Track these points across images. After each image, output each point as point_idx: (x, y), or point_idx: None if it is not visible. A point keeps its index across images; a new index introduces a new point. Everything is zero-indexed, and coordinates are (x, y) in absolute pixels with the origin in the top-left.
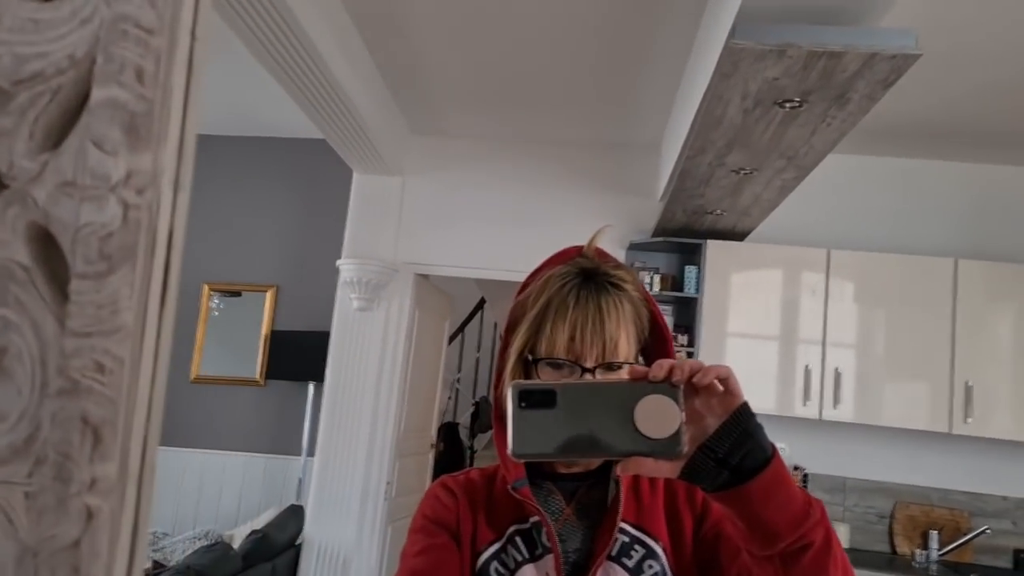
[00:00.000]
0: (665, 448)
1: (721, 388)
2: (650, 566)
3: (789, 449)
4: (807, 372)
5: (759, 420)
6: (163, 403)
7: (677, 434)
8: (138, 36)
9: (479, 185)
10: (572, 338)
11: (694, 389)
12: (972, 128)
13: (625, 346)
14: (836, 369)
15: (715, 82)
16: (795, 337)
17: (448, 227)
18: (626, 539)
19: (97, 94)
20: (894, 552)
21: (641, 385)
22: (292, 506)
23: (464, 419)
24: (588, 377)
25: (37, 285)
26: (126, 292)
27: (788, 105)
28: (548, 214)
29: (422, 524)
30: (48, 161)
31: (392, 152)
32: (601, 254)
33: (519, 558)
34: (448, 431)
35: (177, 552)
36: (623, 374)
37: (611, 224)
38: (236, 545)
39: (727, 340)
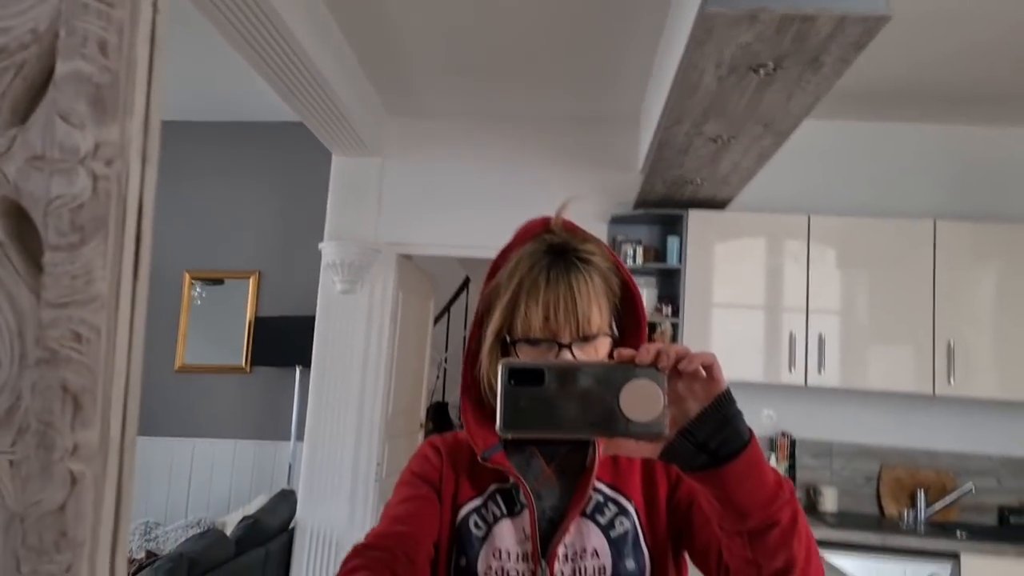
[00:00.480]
0: (647, 431)
1: (704, 374)
2: (621, 523)
3: (776, 416)
4: (791, 339)
5: (739, 407)
6: (141, 371)
7: (660, 418)
8: (99, 9)
9: (459, 164)
10: (547, 318)
11: (678, 374)
12: (948, 90)
13: (598, 318)
14: (820, 335)
15: (690, 50)
16: (780, 305)
17: (429, 207)
18: (600, 498)
19: (62, 68)
20: (882, 513)
21: (627, 368)
22: (283, 491)
23: (453, 398)
24: (566, 353)
25: (11, 259)
26: (99, 262)
27: (762, 71)
28: (529, 190)
29: (408, 479)
30: (16, 136)
31: (370, 133)
32: (568, 226)
33: (497, 513)
34: (437, 411)
35: (170, 541)
36: (600, 346)
37: (578, 195)
38: (229, 531)
39: (712, 310)
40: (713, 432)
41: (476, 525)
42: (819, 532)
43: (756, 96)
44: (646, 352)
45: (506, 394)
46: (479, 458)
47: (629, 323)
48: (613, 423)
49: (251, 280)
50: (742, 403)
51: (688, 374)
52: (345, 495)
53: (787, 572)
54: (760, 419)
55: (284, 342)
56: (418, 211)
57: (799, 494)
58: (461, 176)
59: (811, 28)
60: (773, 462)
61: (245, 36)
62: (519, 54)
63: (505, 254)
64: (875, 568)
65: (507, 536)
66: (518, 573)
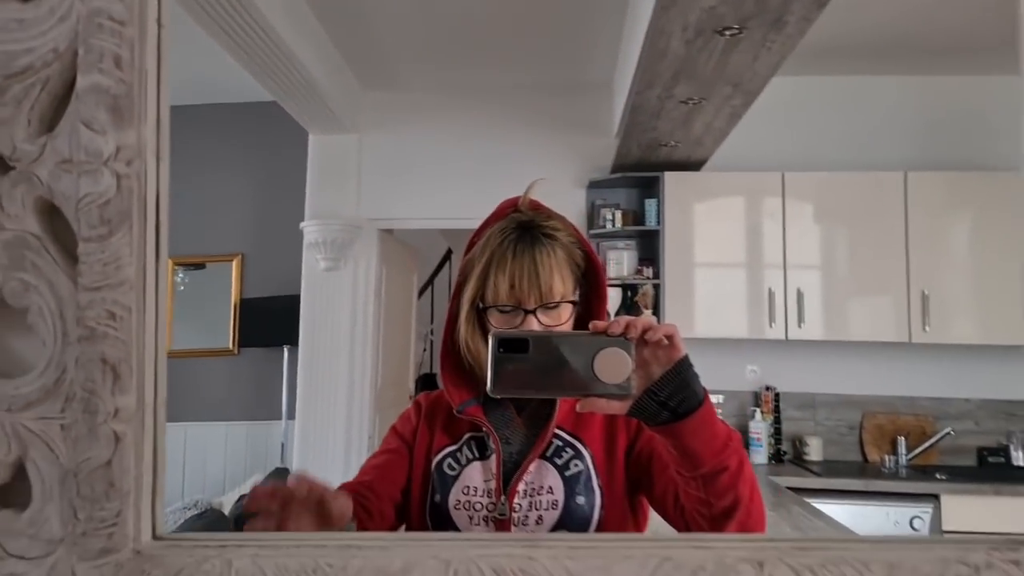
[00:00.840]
0: (617, 391)
1: (667, 343)
2: (575, 464)
3: (760, 371)
4: (771, 295)
5: (695, 371)
6: (166, 343)
7: (628, 380)
8: (112, 28)
9: (436, 136)
10: (512, 286)
11: (644, 343)
12: (915, 42)
13: (560, 286)
14: (798, 289)
15: (656, 15)
16: (760, 261)
17: (408, 181)
18: (559, 443)
19: (82, 81)
20: (865, 460)
21: (600, 338)
22: (277, 469)
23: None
24: (531, 318)
25: (49, 250)
26: (126, 250)
27: (728, 33)
28: (507, 159)
29: (387, 436)
30: (46, 143)
31: (346, 110)
32: (535, 206)
33: (470, 456)
34: (425, 382)
35: (169, 524)
36: (563, 311)
37: (544, 177)
38: (227, 511)
39: (694, 270)
40: (673, 392)
41: (450, 467)
42: (805, 481)
43: (723, 58)
44: (617, 325)
45: (496, 360)
46: (455, 411)
47: (592, 291)
48: (588, 385)
49: (234, 263)
50: (728, 359)
51: (653, 343)
52: (339, 469)
53: (734, 509)
54: (744, 375)
55: (270, 323)
56: (397, 185)
57: (786, 446)
58: (439, 148)
59: None
60: (758, 416)
61: (214, 16)
62: (491, 24)
63: (480, 231)
64: (860, 513)
65: (476, 475)
66: (483, 506)
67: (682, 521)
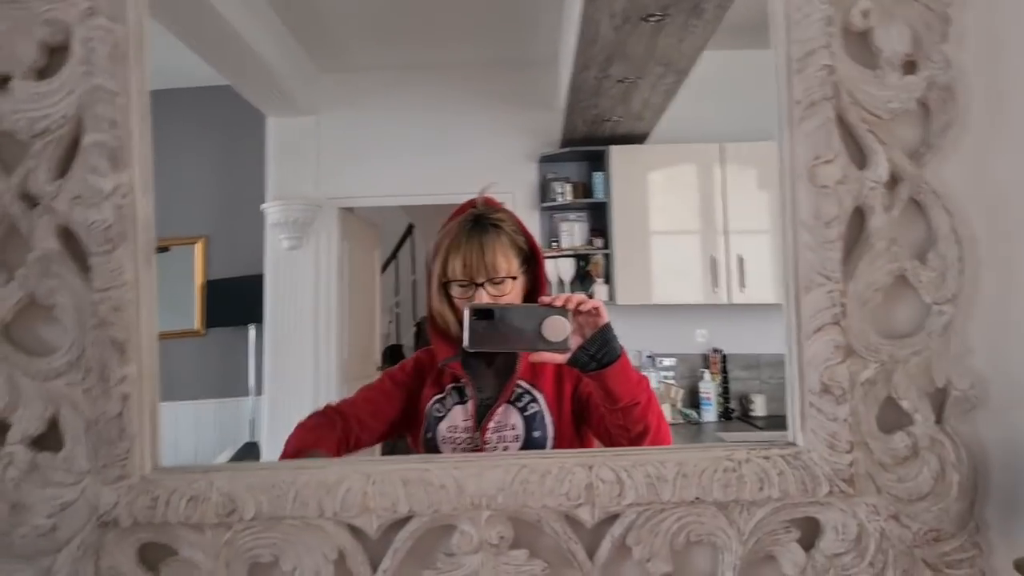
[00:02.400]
0: (559, 347)
1: (595, 313)
2: (532, 407)
3: (709, 335)
4: (713, 261)
5: (615, 333)
6: (157, 326)
7: (567, 339)
8: (108, 98)
9: (391, 115)
10: (465, 265)
11: (579, 312)
12: None
13: (504, 265)
14: (739, 256)
15: (585, 5)
16: (709, 229)
17: (366, 159)
18: (520, 391)
19: (87, 139)
20: None
21: (547, 308)
22: (247, 443)
23: (407, 340)
24: (481, 291)
25: (68, 263)
26: (126, 260)
27: (652, 19)
28: (461, 135)
29: (383, 378)
30: (62, 184)
31: (301, 92)
32: (489, 202)
33: (452, 402)
34: (392, 353)
35: None
36: (507, 286)
37: (495, 181)
38: None
39: (644, 239)
40: (599, 348)
41: (437, 410)
42: (751, 436)
43: (651, 41)
44: (559, 299)
45: (470, 325)
46: (439, 365)
47: (535, 269)
48: (537, 342)
49: (197, 246)
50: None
51: (584, 313)
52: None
53: (646, 432)
54: (695, 339)
55: (236, 302)
56: (356, 165)
57: (733, 404)
58: (395, 127)
59: None
60: (707, 377)
61: (162, 1)
62: (439, 3)
63: (446, 224)
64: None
65: (458, 416)
66: (462, 440)
67: (611, 445)
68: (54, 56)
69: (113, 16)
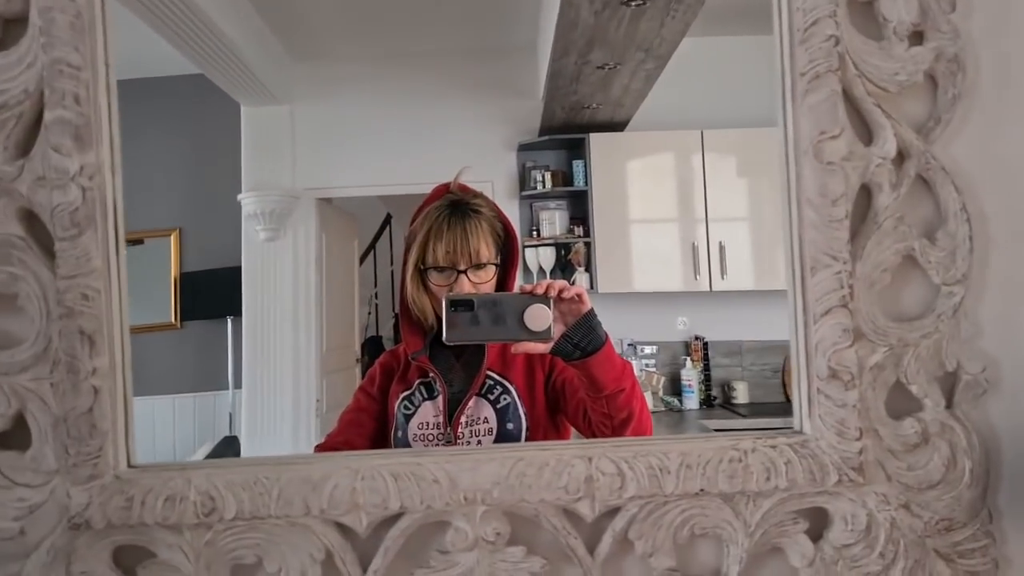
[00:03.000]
0: (541, 336)
1: (577, 300)
2: (504, 398)
3: (690, 322)
4: (695, 248)
5: (599, 319)
6: (128, 315)
7: (549, 328)
8: (71, 72)
9: (367, 105)
10: (448, 251)
11: (561, 300)
12: None
13: (485, 251)
14: (720, 242)
15: None
16: (689, 217)
17: (343, 149)
18: (491, 382)
19: (49, 115)
20: (787, 400)
21: (528, 296)
22: (226, 437)
23: (386, 331)
24: (463, 277)
25: (32, 248)
26: (93, 246)
27: (633, 3)
28: (439, 124)
29: (356, 394)
30: (24, 164)
31: (275, 81)
32: (463, 188)
33: (422, 398)
34: (372, 345)
35: None
36: (488, 271)
37: (470, 165)
38: None
39: (625, 227)
40: (582, 336)
41: (406, 407)
42: (733, 422)
43: (631, 26)
44: (540, 287)
45: (448, 316)
46: (409, 358)
47: (509, 255)
48: (519, 332)
49: (172, 237)
50: (661, 313)
51: (566, 300)
52: (287, 433)
53: (629, 419)
54: (676, 326)
55: (212, 295)
56: (333, 155)
57: (715, 391)
58: (372, 117)
59: None
60: (689, 364)
61: None
62: None
63: (419, 210)
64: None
65: (428, 412)
66: (434, 436)
67: (590, 432)
68: (10, 27)
69: None
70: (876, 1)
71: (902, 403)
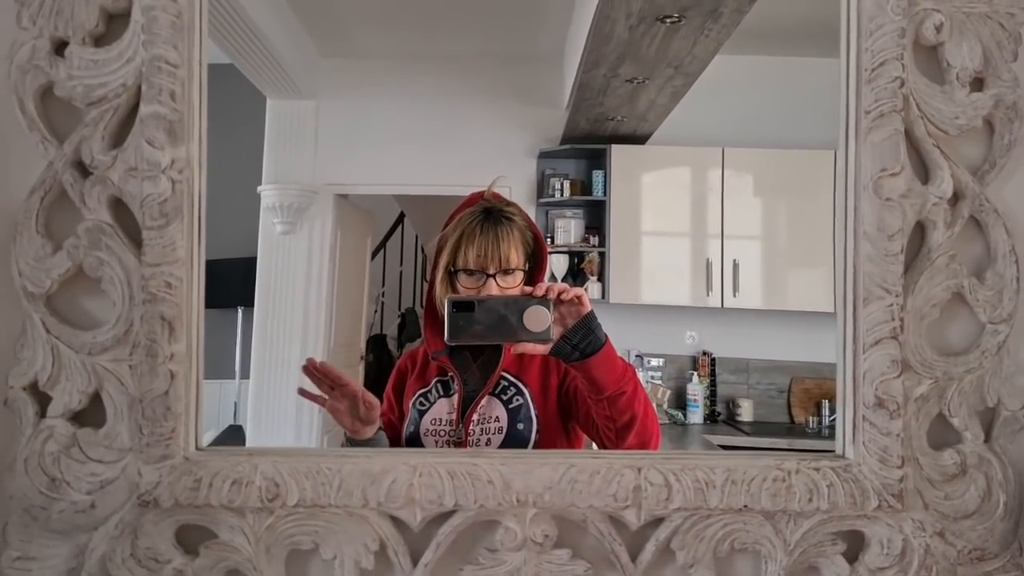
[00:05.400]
0: (541, 337)
1: (577, 302)
2: (517, 399)
3: (698, 337)
4: (708, 265)
5: (599, 322)
6: (204, 304)
7: (548, 329)
8: (168, 69)
9: (392, 104)
10: (479, 255)
11: (561, 302)
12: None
13: (515, 258)
14: (734, 260)
15: (602, 4)
16: (702, 232)
17: (364, 147)
18: (505, 383)
19: (144, 109)
20: (792, 421)
21: (528, 298)
22: (231, 426)
23: (391, 330)
24: (491, 281)
25: (119, 236)
26: (179, 236)
27: (668, 20)
28: (460, 127)
29: (384, 396)
30: (117, 155)
31: (303, 76)
32: (497, 196)
33: (437, 395)
34: (376, 343)
35: None
36: (517, 277)
37: (503, 175)
38: None
39: (640, 239)
40: (582, 338)
41: (421, 403)
42: (736, 439)
43: (664, 43)
44: (540, 289)
45: (450, 317)
46: (429, 357)
47: (538, 264)
48: (519, 333)
49: None
50: (669, 326)
51: (567, 302)
52: (291, 426)
53: (632, 422)
54: (684, 340)
55: (225, 284)
56: (354, 151)
57: (720, 407)
58: (395, 115)
59: None
60: (695, 379)
61: None
62: None
63: (452, 216)
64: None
65: (442, 409)
66: (445, 432)
67: (597, 436)
68: (113, 23)
69: None
70: (941, 47)
71: (943, 434)
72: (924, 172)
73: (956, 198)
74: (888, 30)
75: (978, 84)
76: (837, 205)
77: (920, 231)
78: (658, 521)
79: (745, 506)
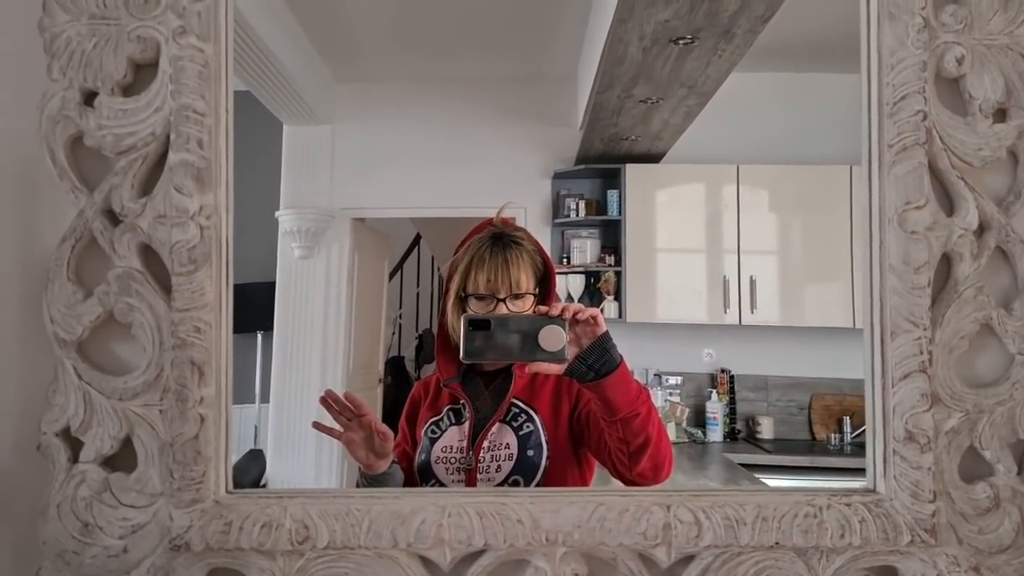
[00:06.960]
0: (556, 357)
1: (592, 322)
2: (527, 426)
3: (716, 354)
4: (725, 282)
5: (614, 341)
6: (232, 348)
7: (563, 349)
8: (195, 118)
9: (407, 127)
10: (489, 280)
11: (576, 322)
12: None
13: (525, 282)
14: (751, 277)
15: (615, 26)
16: (718, 249)
17: (380, 170)
18: (516, 410)
19: (173, 157)
20: (813, 438)
21: (543, 318)
22: (252, 450)
23: (409, 352)
24: (501, 305)
25: (149, 282)
26: (208, 282)
27: (682, 42)
28: (475, 149)
29: (399, 426)
30: (146, 202)
31: (318, 101)
32: (505, 222)
33: (448, 423)
34: (394, 365)
35: None
36: (526, 300)
37: (512, 201)
38: None
39: (656, 256)
40: (597, 358)
41: (433, 431)
42: (757, 457)
43: (678, 64)
44: (555, 308)
45: (466, 336)
46: (441, 384)
47: (546, 286)
48: (534, 352)
49: None
50: (687, 344)
51: (582, 321)
52: (311, 451)
53: (646, 445)
54: (702, 358)
55: (244, 309)
56: (369, 175)
57: (740, 425)
58: (410, 139)
59: (720, 6)
60: (714, 397)
61: None
62: (460, 16)
63: (464, 241)
64: (807, 487)
65: (453, 437)
66: (456, 459)
67: (609, 460)
68: (141, 73)
69: (203, 35)
70: (963, 79)
71: (974, 467)
72: (949, 204)
73: (982, 229)
74: (909, 64)
75: (1001, 115)
76: (862, 235)
77: (946, 263)
78: (689, 559)
79: (777, 543)
